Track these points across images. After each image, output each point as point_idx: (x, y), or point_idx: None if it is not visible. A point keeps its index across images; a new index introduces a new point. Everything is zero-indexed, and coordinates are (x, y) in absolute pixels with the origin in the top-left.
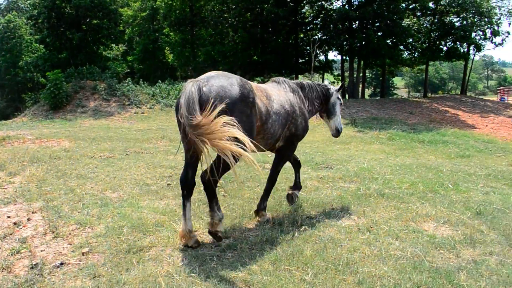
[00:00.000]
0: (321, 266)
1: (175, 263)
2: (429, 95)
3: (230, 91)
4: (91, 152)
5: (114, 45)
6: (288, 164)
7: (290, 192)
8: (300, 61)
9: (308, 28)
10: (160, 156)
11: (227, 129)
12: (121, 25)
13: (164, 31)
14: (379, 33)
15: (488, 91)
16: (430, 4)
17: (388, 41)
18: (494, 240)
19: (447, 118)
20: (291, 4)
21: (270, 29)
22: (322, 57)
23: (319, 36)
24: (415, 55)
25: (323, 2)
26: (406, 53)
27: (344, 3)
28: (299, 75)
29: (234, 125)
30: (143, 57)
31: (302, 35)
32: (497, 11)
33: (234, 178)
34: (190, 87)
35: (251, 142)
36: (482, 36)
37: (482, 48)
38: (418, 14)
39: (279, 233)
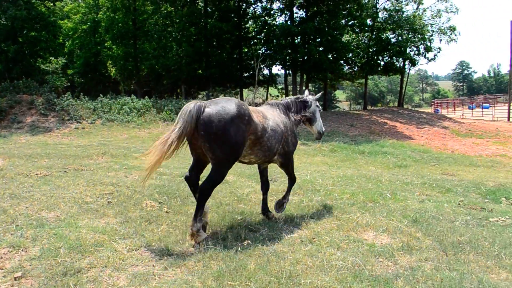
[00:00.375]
0: (264, 280)
1: (115, 284)
2: (369, 107)
3: (229, 109)
4: (26, 170)
5: (53, 58)
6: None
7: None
8: (245, 75)
9: (252, 42)
10: (101, 172)
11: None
12: (60, 38)
13: (106, 44)
14: (320, 48)
15: (423, 103)
16: (368, 21)
17: (329, 56)
18: (429, 246)
19: (386, 130)
20: (235, 19)
21: (215, 43)
22: (266, 71)
23: (263, 50)
24: (355, 70)
25: (266, 18)
26: (347, 68)
27: (286, 19)
28: (243, 89)
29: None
30: (84, 70)
31: (246, 50)
32: (429, 28)
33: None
34: (191, 107)
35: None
36: (416, 52)
37: (416, 63)
38: (356, 30)
39: (222, 248)
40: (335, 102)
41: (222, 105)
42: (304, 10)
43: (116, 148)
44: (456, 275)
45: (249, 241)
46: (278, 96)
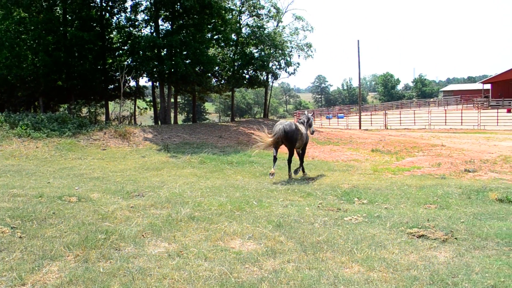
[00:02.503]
0: None
1: None
2: (237, 119)
3: (292, 127)
4: None
5: None
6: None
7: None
8: (110, 87)
9: (116, 54)
10: None
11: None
12: None
13: None
14: (187, 61)
15: (287, 114)
16: (232, 36)
17: (197, 69)
18: (291, 248)
19: (253, 140)
20: (98, 29)
21: (76, 54)
22: (133, 83)
23: (128, 62)
24: (222, 82)
25: (131, 29)
26: (214, 80)
27: (152, 31)
28: (109, 101)
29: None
30: None
31: (110, 61)
32: (288, 44)
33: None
34: (281, 126)
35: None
36: (278, 66)
37: (278, 76)
38: (222, 44)
39: (84, 271)
40: (204, 114)
41: (288, 124)
42: (170, 22)
43: None
44: (315, 273)
45: (112, 260)
46: (146, 108)
